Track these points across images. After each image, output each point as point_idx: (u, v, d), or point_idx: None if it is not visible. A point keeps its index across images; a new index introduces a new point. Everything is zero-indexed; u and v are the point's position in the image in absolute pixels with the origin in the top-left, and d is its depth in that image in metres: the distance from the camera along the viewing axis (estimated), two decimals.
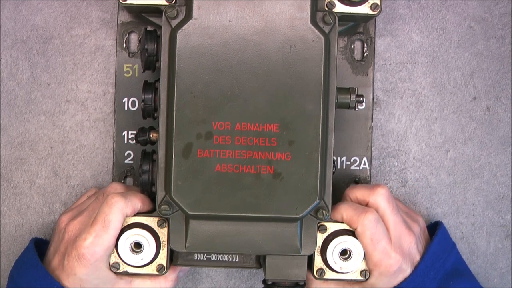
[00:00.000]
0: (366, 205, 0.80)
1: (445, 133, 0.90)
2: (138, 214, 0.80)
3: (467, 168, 0.91)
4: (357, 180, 0.89)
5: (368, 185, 0.83)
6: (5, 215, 0.89)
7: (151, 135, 0.81)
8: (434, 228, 0.85)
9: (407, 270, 0.80)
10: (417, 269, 0.80)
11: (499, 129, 0.90)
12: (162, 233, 0.79)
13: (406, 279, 0.80)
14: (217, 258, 0.82)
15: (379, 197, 0.80)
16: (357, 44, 0.89)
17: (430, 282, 0.80)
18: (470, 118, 0.90)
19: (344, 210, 0.79)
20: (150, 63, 0.80)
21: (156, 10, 0.79)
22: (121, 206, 0.77)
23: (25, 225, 0.89)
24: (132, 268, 0.79)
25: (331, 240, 0.79)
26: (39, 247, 0.83)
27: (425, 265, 0.80)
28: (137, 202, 0.79)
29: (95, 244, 0.77)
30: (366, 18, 0.81)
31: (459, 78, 0.90)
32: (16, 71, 0.88)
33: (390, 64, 0.90)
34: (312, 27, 0.75)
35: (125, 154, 0.88)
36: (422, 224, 0.85)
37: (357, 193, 0.81)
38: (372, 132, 0.89)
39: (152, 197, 0.81)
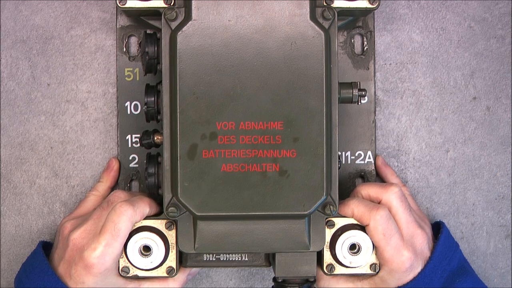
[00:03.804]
0: (379, 203, 0.80)
1: (445, 133, 0.90)
2: (146, 218, 0.80)
3: (467, 168, 0.91)
4: (363, 174, 0.89)
5: (381, 183, 0.83)
6: (5, 215, 0.89)
7: (156, 138, 0.81)
8: (435, 228, 0.85)
9: (418, 268, 0.80)
10: (426, 268, 0.80)
11: (499, 129, 0.90)
12: (171, 235, 0.79)
13: (415, 278, 0.80)
14: (226, 258, 0.82)
15: (392, 195, 0.80)
16: (357, 38, 0.89)
17: (437, 281, 0.80)
18: (470, 118, 0.90)
19: (356, 206, 0.80)
20: (151, 66, 0.80)
21: (155, 13, 0.79)
22: (130, 214, 0.77)
23: (25, 225, 0.89)
24: (142, 271, 0.79)
25: (339, 235, 0.79)
26: (45, 249, 0.83)
27: (433, 264, 0.80)
28: (144, 207, 0.79)
29: (105, 253, 0.76)
30: (365, 12, 0.81)
31: (459, 78, 0.90)
32: (16, 71, 0.88)
33: (390, 64, 0.90)
34: (312, 23, 0.75)
35: (130, 158, 0.88)
36: (429, 224, 0.85)
37: (370, 190, 0.81)
38: (375, 125, 0.89)
39: (159, 199, 0.81)
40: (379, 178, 0.89)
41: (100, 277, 0.77)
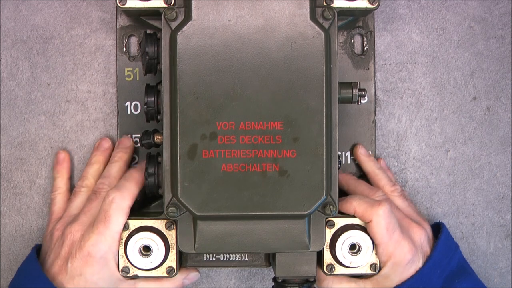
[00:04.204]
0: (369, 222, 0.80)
1: (445, 133, 0.90)
2: (145, 217, 0.80)
3: (467, 168, 0.91)
4: (362, 174, 0.89)
5: (369, 201, 0.81)
6: (5, 215, 0.89)
7: (155, 138, 0.81)
8: (435, 229, 0.85)
9: (419, 263, 0.80)
10: (426, 265, 0.80)
11: (499, 129, 0.90)
12: (171, 235, 0.79)
13: (415, 274, 0.80)
14: (226, 258, 0.82)
15: (381, 213, 0.80)
16: (357, 39, 0.89)
17: (436, 280, 0.80)
18: (470, 118, 0.90)
19: (357, 204, 0.80)
20: (151, 66, 0.80)
21: (155, 13, 0.79)
22: (119, 200, 0.78)
23: (25, 225, 0.89)
24: (142, 271, 0.79)
25: (339, 235, 0.79)
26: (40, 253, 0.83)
27: (433, 262, 0.81)
28: (131, 187, 0.80)
29: (98, 241, 0.77)
30: (365, 12, 0.81)
31: (459, 78, 0.90)
32: (16, 71, 0.88)
33: (390, 64, 0.90)
34: (312, 23, 0.75)
35: None
36: (429, 226, 0.85)
37: (358, 208, 0.81)
38: (375, 125, 0.89)
39: (158, 199, 0.82)
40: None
41: (97, 267, 0.78)
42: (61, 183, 0.87)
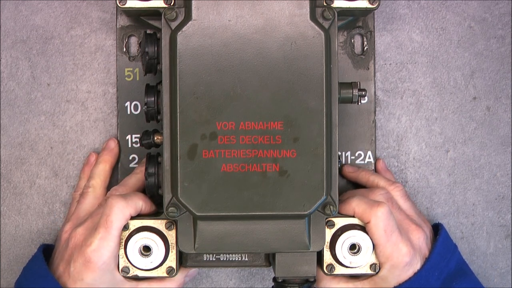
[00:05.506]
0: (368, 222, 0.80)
1: (445, 133, 0.90)
2: (145, 217, 0.80)
3: (467, 168, 0.91)
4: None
5: (369, 201, 0.81)
6: (5, 215, 0.89)
7: (155, 138, 0.81)
8: (434, 230, 0.85)
9: (417, 265, 0.80)
10: (423, 267, 0.80)
11: (499, 129, 0.90)
12: (171, 235, 0.79)
13: (413, 276, 0.80)
14: (226, 258, 0.82)
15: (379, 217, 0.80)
16: (357, 39, 0.89)
17: (434, 282, 0.80)
18: (470, 118, 0.90)
19: (356, 205, 0.80)
20: (151, 66, 0.80)
21: (155, 13, 0.79)
22: (122, 206, 0.78)
23: (25, 225, 0.89)
24: (142, 271, 0.79)
25: (339, 235, 0.79)
26: (46, 253, 0.83)
27: (431, 264, 0.80)
28: (137, 200, 0.80)
29: (100, 247, 0.77)
30: (365, 12, 0.81)
31: (459, 78, 0.90)
32: (16, 71, 0.88)
33: (390, 64, 0.90)
34: (312, 23, 0.75)
35: (130, 158, 0.88)
36: (430, 227, 0.85)
37: (357, 208, 0.81)
38: (375, 125, 0.89)
39: (158, 199, 0.81)
40: None
41: (99, 272, 0.78)
42: (84, 184, 0.87)
